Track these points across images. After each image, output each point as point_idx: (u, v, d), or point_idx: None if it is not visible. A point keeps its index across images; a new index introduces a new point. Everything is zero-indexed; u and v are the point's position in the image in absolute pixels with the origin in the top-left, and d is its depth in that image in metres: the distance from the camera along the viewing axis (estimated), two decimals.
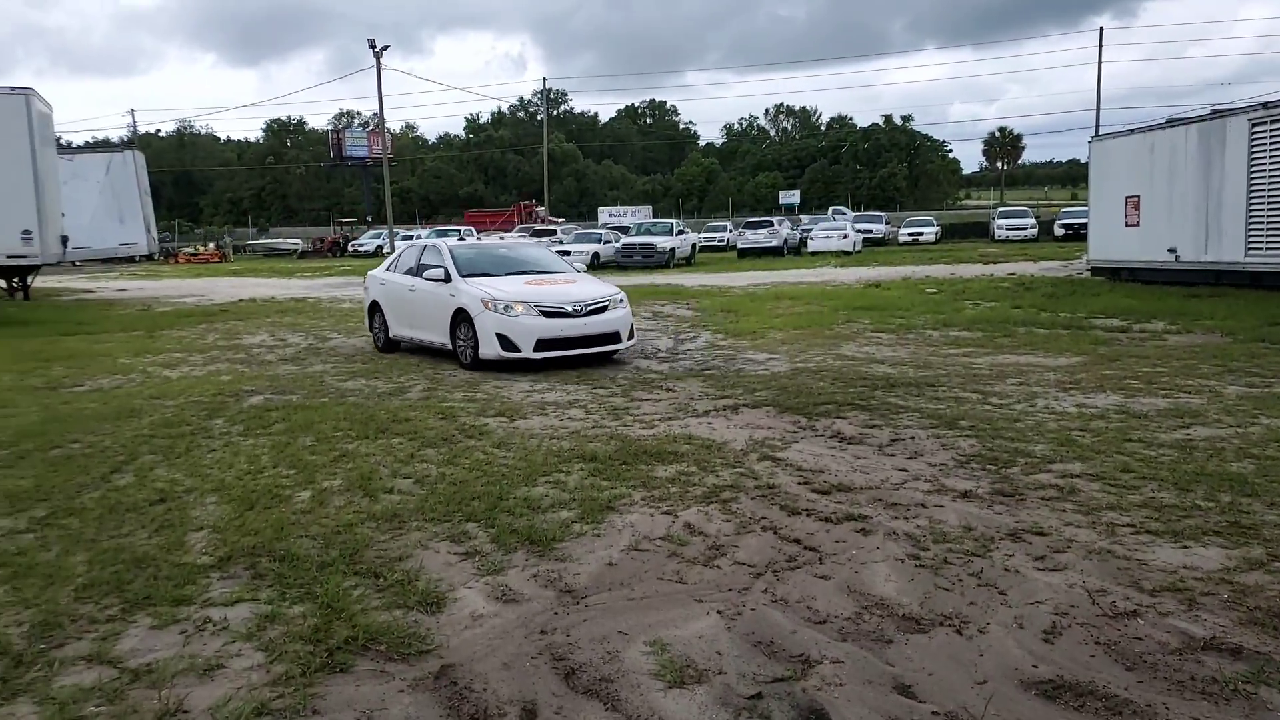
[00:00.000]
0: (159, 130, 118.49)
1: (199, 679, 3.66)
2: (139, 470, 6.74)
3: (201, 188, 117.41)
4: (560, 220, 64.53)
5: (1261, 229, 16.91)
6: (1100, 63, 58.65)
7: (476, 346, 11.45)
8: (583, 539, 5.16)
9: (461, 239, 39.77)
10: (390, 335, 13.54)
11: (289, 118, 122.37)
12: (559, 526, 5.32)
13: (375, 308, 13.90)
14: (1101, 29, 78.33)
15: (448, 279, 12.16)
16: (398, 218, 60.90)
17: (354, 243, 62.94)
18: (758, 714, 3.33)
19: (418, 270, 12.95)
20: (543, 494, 5.96)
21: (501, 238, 36.18)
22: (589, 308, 11.68)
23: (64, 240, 22.50)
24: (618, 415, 8.44)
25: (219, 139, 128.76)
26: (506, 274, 12.48)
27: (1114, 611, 4.07)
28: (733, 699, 3.43)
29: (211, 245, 63.67)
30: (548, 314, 11.38)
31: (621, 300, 12.14)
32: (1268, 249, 16.81)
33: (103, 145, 79.71)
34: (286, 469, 6.71)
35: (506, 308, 11.30)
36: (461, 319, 11.75)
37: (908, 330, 14.39)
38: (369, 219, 74.18)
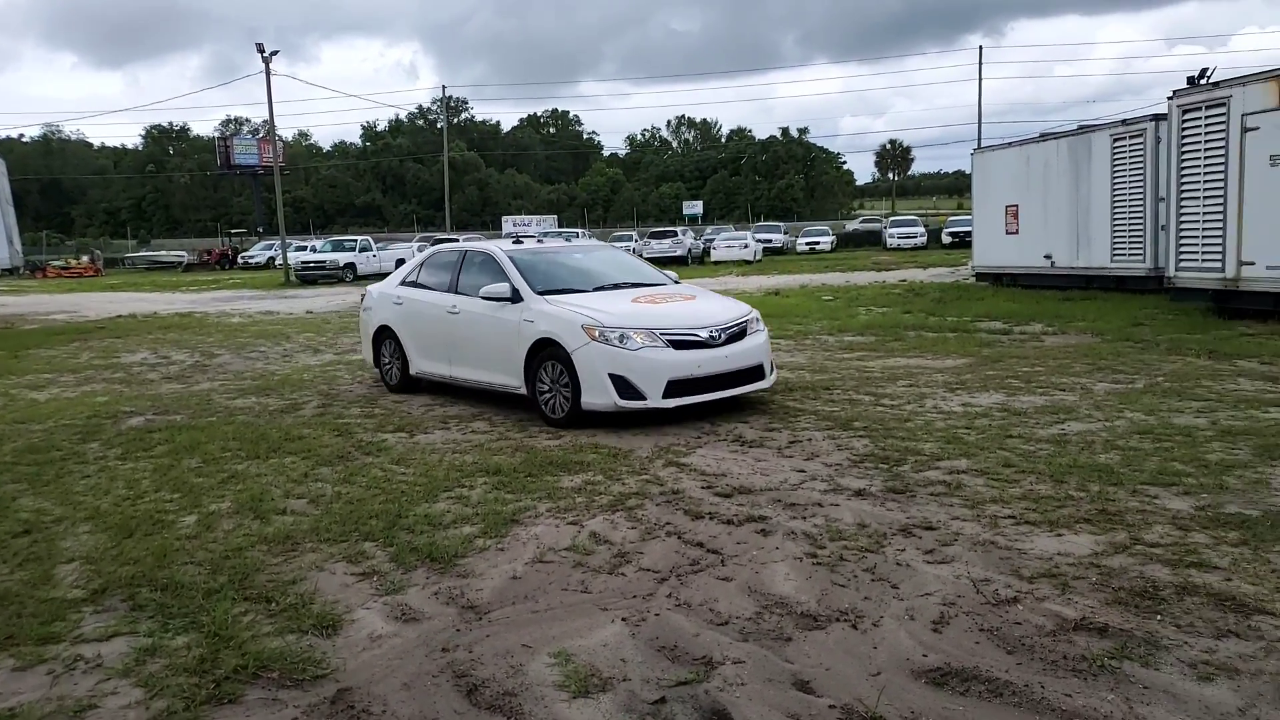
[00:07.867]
0: (21, 135, 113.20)
1: None
2: None
3: (73, 197, 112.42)
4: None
5: (1124, 236, 18.10)
6: (980, 79, 61.19)
7: (576, 392, 8.20)
8: (486, 554, 5.10)
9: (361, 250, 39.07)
10: (412, 372, 10.37)
11: (170, 124, 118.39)
12: (461, 542, 5.25)
13: (385, 333, 10.69)
14: (981, 47, 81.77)
15: (516, 298, 8.95)
16: (290, 228, 59.33)
17: (244, 254, 61.00)
18: (661, 718, 3.35)
19: (456, 285, 9.84)
20: (444, 510, 5.87)
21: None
22: (726, 333, 8.53)
23: None
24: (524, 427, 8.38)
25: (91, 145, 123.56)
26: (595, 289, 9.30)
27: (996, 599, 4.23)
28: (637, 705, 3.44)
29: (85, 258, 60.73)
30: (678, 345, 8.21)
31: (758, 320, 9.10)
32: (1129, 254, 18.01)
33: None
34: (170, 493, 6.45)
35: (622, 338, 8.09)
36: (546, 354, 8.55)
37: (805, 336, 14.70)
38: (259, 229, 72.12)
